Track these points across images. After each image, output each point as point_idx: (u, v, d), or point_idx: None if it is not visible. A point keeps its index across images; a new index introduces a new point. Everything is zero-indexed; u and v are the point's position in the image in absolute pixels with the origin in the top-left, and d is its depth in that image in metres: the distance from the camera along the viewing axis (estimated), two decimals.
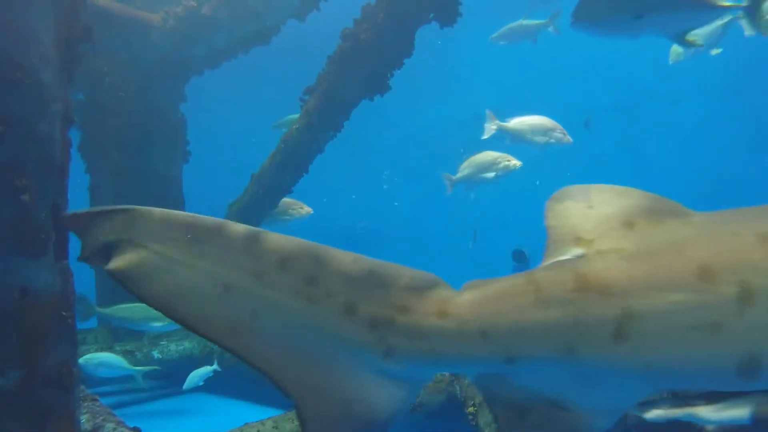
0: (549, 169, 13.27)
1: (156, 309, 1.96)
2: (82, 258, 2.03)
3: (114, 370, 6.82)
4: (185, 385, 6.51)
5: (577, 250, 1.92)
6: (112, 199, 8.54)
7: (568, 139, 8.38)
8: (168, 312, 1.95)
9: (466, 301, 1.90)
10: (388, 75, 7.42)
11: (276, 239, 1.95)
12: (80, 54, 3.41)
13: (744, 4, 4.84)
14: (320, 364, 1.93)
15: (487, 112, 8.30)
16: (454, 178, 9.34)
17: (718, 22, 7.43)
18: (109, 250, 1.98)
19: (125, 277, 1.94)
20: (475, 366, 1.94)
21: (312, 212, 9.45)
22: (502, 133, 8.40)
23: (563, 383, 1.83)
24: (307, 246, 1.95)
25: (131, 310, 7.21)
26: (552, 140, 8.32)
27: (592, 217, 1.99)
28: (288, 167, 8.37)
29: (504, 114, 8.54)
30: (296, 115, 10.85)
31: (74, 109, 3.41)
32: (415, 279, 1.94)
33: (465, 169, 9.24)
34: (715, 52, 7.99)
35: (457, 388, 5.00)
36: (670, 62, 8.72)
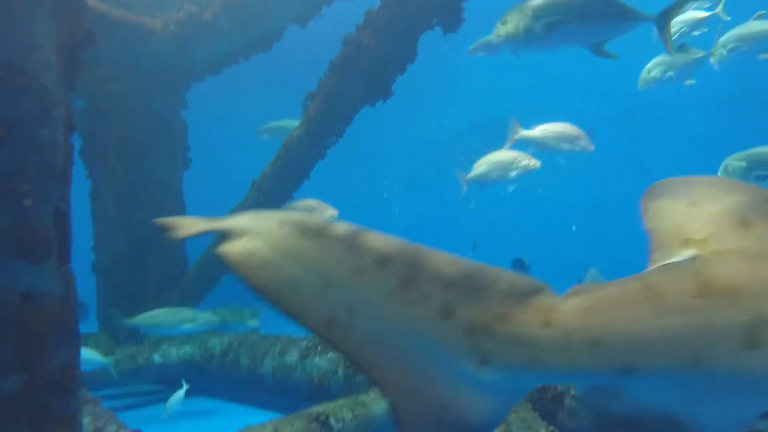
0: (549, 179, 13.27)
1: (261, 298, 1.98)
2: (170, 234, 2.07)
3: (88, 364, 6.75)
4: (166, 414, 6.39)
5: (688, 252, 1.81)
6: (113, 205, 8.56)
7: (591, 147, 8.26)
8: (272, 301, 1.97)
9: (574, 308, 1.78)
10: (391, 81, 7.43)
11: (376, 238, 1.93)
12: (82, 60, 3.44)
13: (653, 18, 4.90)
14: (415, 366, 1.88)
15: (511, 120, 8.18)
16: (468, 176, 9.07)
17: (693, 54, 7.66)
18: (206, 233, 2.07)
19: (236, 263, 1.98)
20: (583, 377, 1.83)
21: (337, 214, 9.23)
22: (526, 141, 8.24)
23: (683, 396, 1.72)
24: (406, 246, 1.90)
25: (162, 315, 7.22)
26: (577, 148, 8.20)
27: (698, 216, 1.89)
28: (288, 173, 8.39)
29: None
30: (280, 122, 10.82)
31: (75, 115, 3.43)
32: (515, 285, 1.84)
33: (481, 166, 8.88)
34: (689, 82, 8.10)
35: None
36: (639, 88, 8.75)
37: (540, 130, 8.27)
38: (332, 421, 4.33)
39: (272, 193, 8.48)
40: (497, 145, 8.44)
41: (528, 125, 8.34)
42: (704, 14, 7.85)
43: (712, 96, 19.13)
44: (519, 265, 12.74)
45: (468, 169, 9.19)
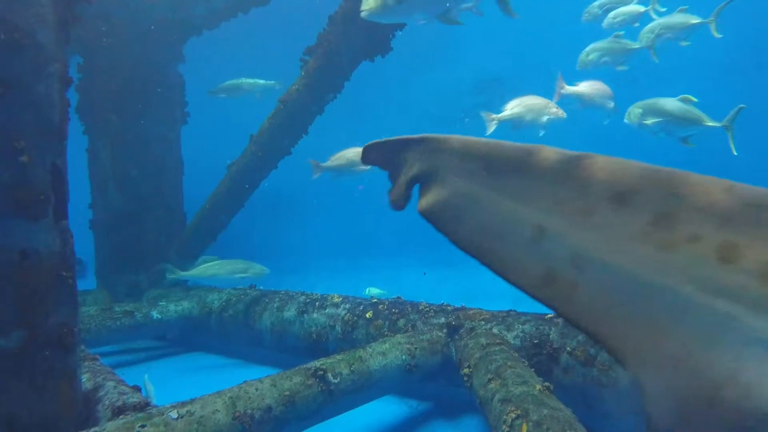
0: (545, 140, 13.23)
1: (466, 252, 1.65)
2: (393, 204, 1.81)
3: None
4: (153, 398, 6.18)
5: None
6: (110, 160, 8.54)
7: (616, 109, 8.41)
8: (477, 256, 1.63)
9: None
10: (390, 36, 7.33)
11: (606, 166, 1.50)
12: (78, 14, 3.39)
13: None
14: (677, 330, 1.45)
15: (558, 76, 8.13)
16: (497, 117, 8.32)
17: (626, 45, 8.58)
18: (413, 187, 1.74)
19: (433, 218, 1.66)
20: None
21: None
22: (570, 97, 8.20)
23: None
24: (652, 173, 1.47)
25: (215, 267, 7.33)
26: (612, 107, 8.31)
27: None
28: (287, 129, 8.32)
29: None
30: (235, 81, 10.70)
31: (72, 71, 3.40)
32: None
33: (515, 107, 8.36)
34: (621, 68, 8.82)
35: (453, 349, 5.05)
36: (577, 68, 9.08)
37: (585, 86, 8.25)
38: (330, 376, 4.37)
39: (271, 148, 8.43)
40: (498, 103, 8.32)
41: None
42: (642, 8, 8.78)
43: (714, 61, 18.96)
44: None
45: (468, 126, 8.99)
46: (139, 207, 8.63)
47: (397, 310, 5.90)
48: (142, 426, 3.23)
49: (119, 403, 3.63)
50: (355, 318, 6.09)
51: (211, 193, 8.97)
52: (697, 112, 7.01)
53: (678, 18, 8.29)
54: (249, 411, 3.75)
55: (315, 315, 6.46)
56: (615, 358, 1.53)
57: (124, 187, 8.56)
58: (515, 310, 5.28)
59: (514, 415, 3.31)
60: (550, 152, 1.58)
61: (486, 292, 10.25)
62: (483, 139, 1.67)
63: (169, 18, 8.74)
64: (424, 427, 5.08)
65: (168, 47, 9.10)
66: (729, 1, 7.65)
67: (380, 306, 6.08)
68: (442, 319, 5.45)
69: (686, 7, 8.47)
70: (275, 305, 6.94)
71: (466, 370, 4.47)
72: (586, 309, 1.55)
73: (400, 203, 1.81)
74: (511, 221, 1.59)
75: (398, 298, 6.29)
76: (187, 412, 3.48)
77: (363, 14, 5.57)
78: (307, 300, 6.74)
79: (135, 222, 8.60)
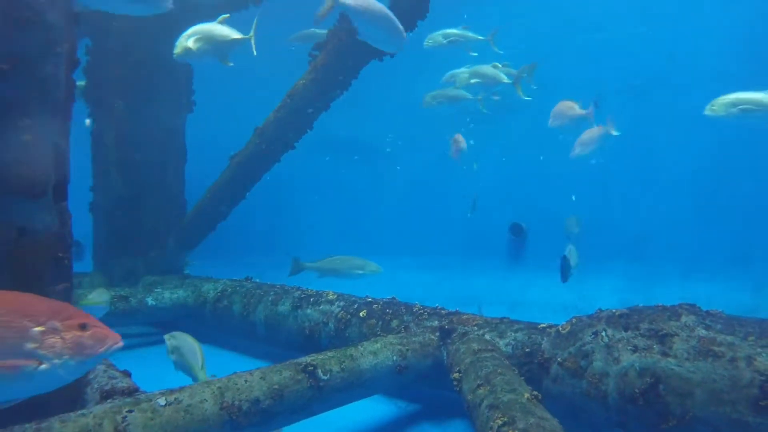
0: (552, 146, 13.25)
1: None
2: None
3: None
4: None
5: None
6: (114, 145, 8.53)
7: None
8: None
9: None
10: None
11: None
12: None
13: None
14: None
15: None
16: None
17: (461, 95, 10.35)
18: None
19: None
20: None
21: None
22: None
23: None
24: None
25: (336, 262, 7.57)
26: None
27: None
28: (292, 123, 8.32)
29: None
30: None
31: (80, 53, 3.40)
32: None
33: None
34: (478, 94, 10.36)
35: (444, 353, 5.05)
36: (424, 106, 10.80)
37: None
38: (320, 372, 4.38)
39: (275, 141, 8.43)
40: (502, 107, 8.47)
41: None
42: (466, 73, 10.45)
43: (728, 73, 18.93)
44: (516, 230, 12.77)
45: (473, 131, 9.19)
46: (140, 192, 8.63)
47: (391, 311, 5.91)
48: (130, 411, 3.24)
49: (108, 387, 3.64)
50: (349, 316, 6.09)
51: (213, 182, 8.98)
52: (500, 75, 9.53)
53: (486, 69, 10.19)
54: (237, 402, 3.75)
55: (309, 311, 6.47)
56: None
57: (126, 172, 8.56)
58: (509, 318, 5.28)
59: (500, 422, 3.31)
60: None
61: (481, 298, 10.24)
62: None
63: (178, 5, 8.73)
64: (411, 428, 5.09)
65: (177, 34, 9.09)
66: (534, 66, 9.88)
67: (374, 305, 6.08)
68: (436, 322, 5.45)
69: (507, 63, 10.37)
70: (270, 299, 6.95)
71: (456, 375, 4.47)
72: None
73: None
74: None
75: (393, 298, 6.29)
76: (175, 399, 3.49)
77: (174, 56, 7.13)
78: (302, 295, 6.75)
79: (135, 207, 8.59)
